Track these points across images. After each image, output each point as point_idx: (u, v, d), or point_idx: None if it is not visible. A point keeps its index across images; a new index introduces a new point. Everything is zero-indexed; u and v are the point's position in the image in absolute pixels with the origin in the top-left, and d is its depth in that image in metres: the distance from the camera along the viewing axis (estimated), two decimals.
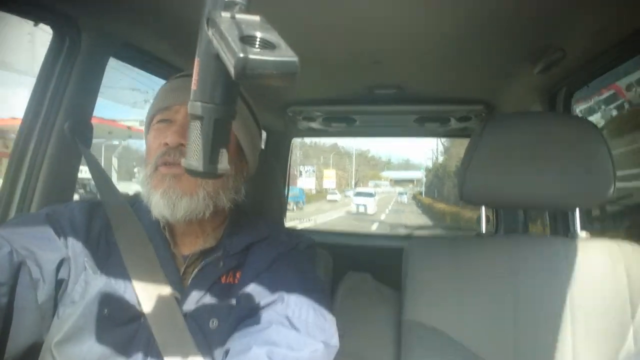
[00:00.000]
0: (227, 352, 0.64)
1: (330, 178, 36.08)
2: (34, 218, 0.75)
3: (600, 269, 0.94)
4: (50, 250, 0.69)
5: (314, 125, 2.11)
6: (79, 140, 0.98)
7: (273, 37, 0.36)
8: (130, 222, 0.76)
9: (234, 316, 0.68)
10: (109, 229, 0.76)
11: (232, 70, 0.33)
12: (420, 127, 2.07)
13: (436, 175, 32.40)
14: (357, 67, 1.38)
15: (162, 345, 0.66)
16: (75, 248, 0.72)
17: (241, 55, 0.33)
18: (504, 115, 1.48)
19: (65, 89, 0.99)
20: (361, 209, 23.28)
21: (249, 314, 0.68)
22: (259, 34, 0.36)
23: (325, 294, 0.75)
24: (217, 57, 0.38)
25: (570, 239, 1.00)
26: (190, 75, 0.80)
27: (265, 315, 0.66)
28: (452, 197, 20.97)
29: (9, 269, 0.63)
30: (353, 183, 47.82)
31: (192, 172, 0.43)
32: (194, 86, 0.41)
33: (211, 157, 0.42)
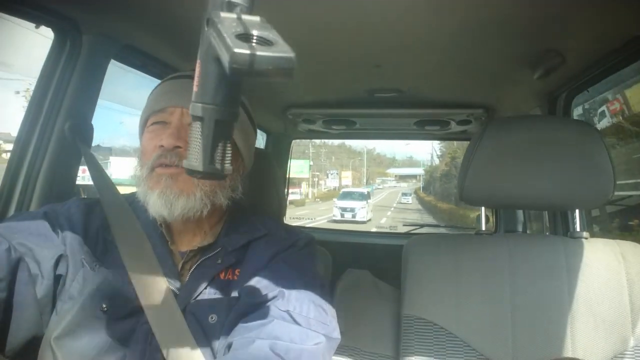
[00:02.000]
0: (229, 347, 0.65)
1: (347, 178, 43.28)
2: (32, 216, 0.76)
3: (600, 267, 0.95)
4: (48, 248, 0.70)
5: (314, 127, 2.12)
6: (79, 140, 0.98)
7: (270, 34, 0.36)
8: (128, 220, 0.77)
9: (234, 312, 0.69)
10: (106, 227, 0.77)
11: (226, 66, 0.33)
12: (420, 130, 2.07)
13: (431, 176, 37.27)
14: (358, 71, 1.39)
15: (161, 340, 0.66)
16: (72, 245, 0.73)
17: (235, 50, 0.32)
18: (505, 118, 1.48)
19: (66, 90, 0.99)
20: (347, 216, 17.18)
21: (250, 309, 0.68)
22: (255, 32, 0.35)
23: (325, 289, 0.75)
24: (218, 58, 0.37)
25: (570, 238, 1.01)
26: (185, 77, 0.81)
27: (267, 311, 0.67)
28: (438, 194, 30.20)
29: (7, 265, 0.64)
30: (365, 181, 52.42)
31: (192, 173, 0.43)
32: (195, 87, 0.41)
33: (211, 157, 0.42)
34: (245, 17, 0.37)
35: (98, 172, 0.88)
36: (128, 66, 1.19)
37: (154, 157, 0.72)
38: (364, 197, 19.54)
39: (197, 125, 0.41)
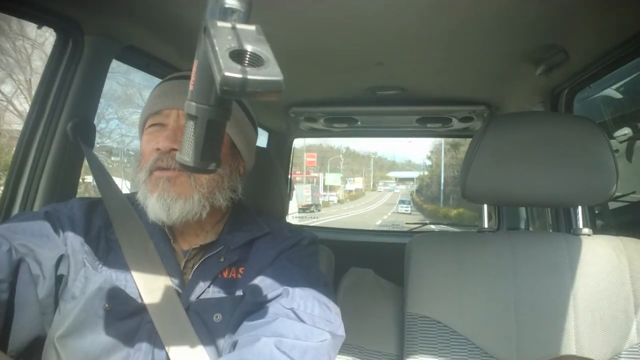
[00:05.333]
0: (234, 345, 0.65)
1: (358, 182, 53.62)
2: (33, 216, 0.76)
3: (603, 263, 0.94)
4: (49, 248, 0.70)
5: (315, 125, 2.12)
6: (81, 140, 0.99)
7: (263, 51, 0.36)
8: (131, 219, 0.77)
9: (238, 310, 0.69)
10: (109, 226, 0.77)
11: (217, 86, 0.34)
12: (422, 128, 2.07)
13: (423, 181, 44.61)
14: (359, 69, 1.39)
15: (165, 338, 0.67)
16: (74, 245, 0.73)
17: (225, 73, 0.33)
18: (507, 114, 1.48)
19: (69, 90, 1.00)
20: None
21: (254, 308, 0.68)
22: (249, 48, 0.36)
23: (328, 287, 0.76)
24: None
25: (572, 235, 1.01)
26: (182, 77, 0.81)
27: (271, 309, 0.67)
28: (424, 195, 37.73)
29: (8, 266, 0.64)
30: (371, 184, 58.81)
31: (183, 167, 0.45)
32: (191, 87, 0.42)
33: (202, 154, 0.44)
34: (240, 26, 0.38)
35: (100, 172, 0.89)
36: (130, 66, 1.19)
37: (152, 160, 0.72)
38: None
39: (190, 123, 0.43)
